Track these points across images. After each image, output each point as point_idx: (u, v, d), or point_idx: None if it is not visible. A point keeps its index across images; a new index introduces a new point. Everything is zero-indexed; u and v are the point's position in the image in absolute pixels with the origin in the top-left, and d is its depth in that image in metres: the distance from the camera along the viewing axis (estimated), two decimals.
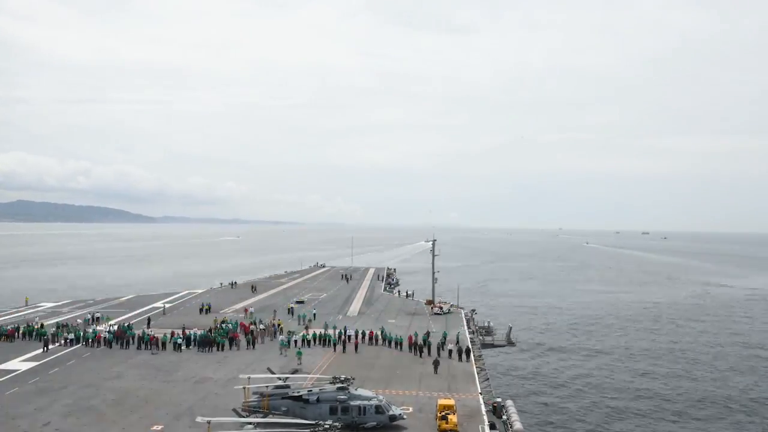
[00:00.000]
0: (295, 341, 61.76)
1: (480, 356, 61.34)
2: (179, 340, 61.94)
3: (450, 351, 59.04)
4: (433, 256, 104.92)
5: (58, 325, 68.85)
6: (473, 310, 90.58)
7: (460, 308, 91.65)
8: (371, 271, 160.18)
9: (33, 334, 64.82)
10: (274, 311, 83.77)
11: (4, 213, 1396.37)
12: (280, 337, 62.46)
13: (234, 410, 38.52)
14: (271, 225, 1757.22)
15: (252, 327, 67.63)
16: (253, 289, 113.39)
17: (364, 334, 65.00)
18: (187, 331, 64.61)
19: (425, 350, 59.96)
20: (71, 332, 63.79)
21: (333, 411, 37.53)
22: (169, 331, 65.60)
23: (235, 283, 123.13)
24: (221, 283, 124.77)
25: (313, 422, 36.02)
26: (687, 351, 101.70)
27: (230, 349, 61.12)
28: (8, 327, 66.25)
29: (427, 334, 64.88)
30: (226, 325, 68.90)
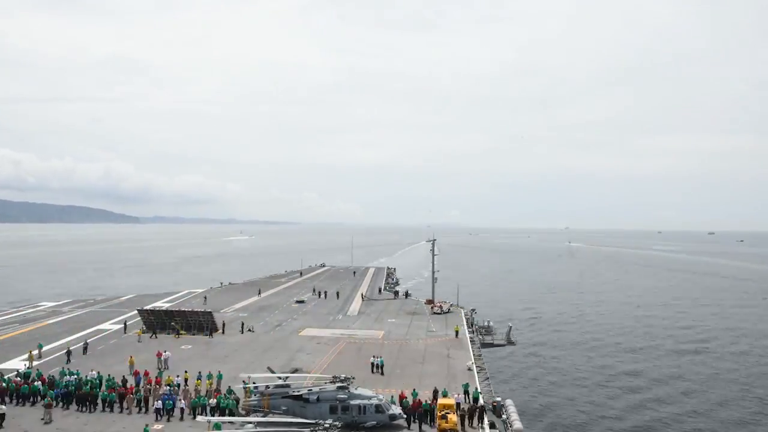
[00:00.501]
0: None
1: (480, 356, 61.40)
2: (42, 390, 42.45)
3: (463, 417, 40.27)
4: (433, 255, 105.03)
5: None
6: (473, 310, 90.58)
7: (460, 308, 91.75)
8: (371, 271, 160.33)
9: None
10: (185, 370, 48.54)
11: None
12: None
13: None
14: (264, 225, 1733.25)
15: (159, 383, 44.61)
16: (260, 292, 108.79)
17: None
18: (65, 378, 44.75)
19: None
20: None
21: (333, 410, 37.57)
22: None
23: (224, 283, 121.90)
24: (221, 283, 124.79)
25: (313, 421, 36.13)
26: (687, 350, 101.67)
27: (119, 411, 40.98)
28: None
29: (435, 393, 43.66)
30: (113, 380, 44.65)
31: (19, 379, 45.63)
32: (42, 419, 38.32)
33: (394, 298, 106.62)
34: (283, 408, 38.09)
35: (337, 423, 35.97)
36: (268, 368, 45.99)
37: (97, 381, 44.45)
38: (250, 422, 36.42)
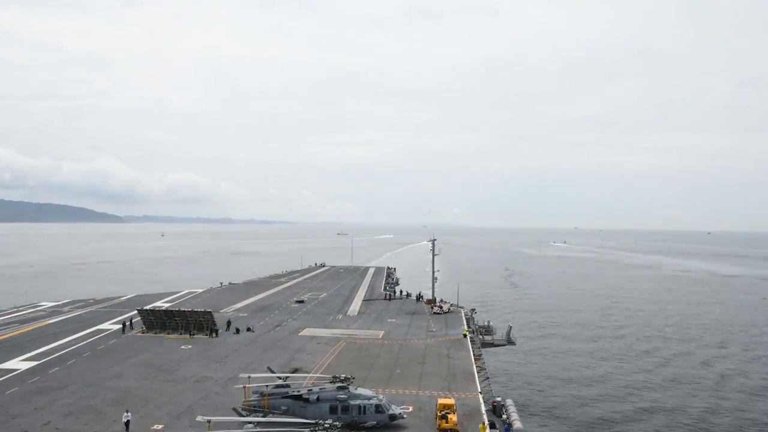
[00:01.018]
0: None
1: (480, 355, 61.34)
2: None
3: None
4: (433, 255, 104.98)
5: None
6: (473, 310, 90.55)
7: (460, 308, 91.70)
8: (371, 271, 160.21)
9: None
10: None
11: None
12: None
13: (234, 409, 38.54)
14: (260, 225, 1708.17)
15: None
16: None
17: None
18: None
19: None
20: None
21: (333, 410, 37.54)
22: None
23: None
24: (221, 283, 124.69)
25: (313, 421, 36.11)
26: (687, 350, 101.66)
27: None
28: None
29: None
30: None
31: None
32: None
33: (389, 300, 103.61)
34: (283, 408, 38.05)
35: (337, 423, 35.93)
36: (268, 368, 45.97)
37: None
38: (250, 422, 36.41)
